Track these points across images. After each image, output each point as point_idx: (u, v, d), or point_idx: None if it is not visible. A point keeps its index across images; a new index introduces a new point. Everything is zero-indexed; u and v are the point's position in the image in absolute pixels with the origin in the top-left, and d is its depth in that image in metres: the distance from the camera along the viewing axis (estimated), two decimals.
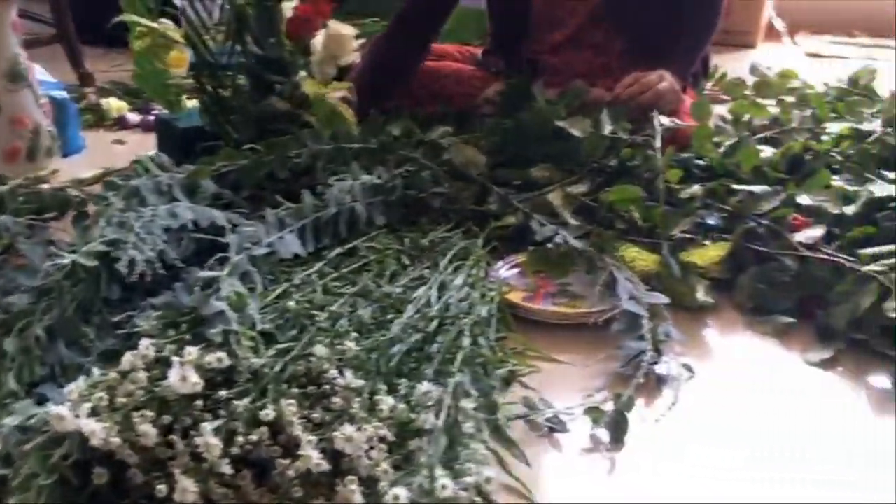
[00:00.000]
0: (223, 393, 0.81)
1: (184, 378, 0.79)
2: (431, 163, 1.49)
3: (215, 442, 0.76)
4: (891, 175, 1.48)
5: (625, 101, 1.58)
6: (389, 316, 1.03)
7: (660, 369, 1.09)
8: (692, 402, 1.06)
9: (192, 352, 0.81)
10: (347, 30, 1.46)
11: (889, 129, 1.64)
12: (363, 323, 1.00)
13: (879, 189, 1.38)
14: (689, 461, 0.97)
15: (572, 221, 1.36)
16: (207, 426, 0.77)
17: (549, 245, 1.32)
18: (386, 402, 0.84)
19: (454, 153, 1.50)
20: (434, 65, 1.83)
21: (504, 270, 1.31)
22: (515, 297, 1.24)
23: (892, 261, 1.19)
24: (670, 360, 1.11)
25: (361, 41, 1.53)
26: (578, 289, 1.27)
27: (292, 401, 0.83)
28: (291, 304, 0.96)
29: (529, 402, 1.02)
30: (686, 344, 1.16)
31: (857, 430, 1.02)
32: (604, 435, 0.99)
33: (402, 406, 0.85)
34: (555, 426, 1.00)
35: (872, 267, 1.18)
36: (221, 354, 0.82)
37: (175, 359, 0.80)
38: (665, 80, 1.59)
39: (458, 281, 1.17)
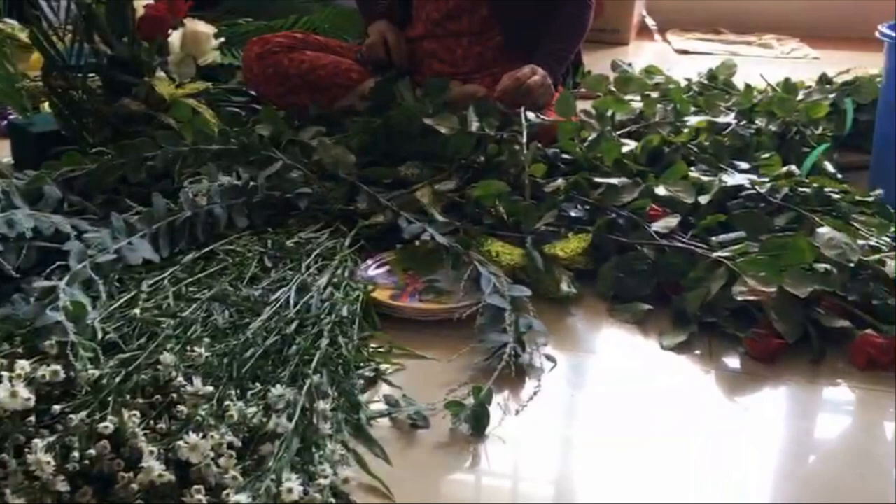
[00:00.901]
0: (58, 407, 0.78)
1: (13, 393, 0.75)
2: (299, 163, 1.47)
3: (47, 459, 0.73)
4: (742, 165, 1.55)
5: (499, 97, 1.61)
6: (247, 320, 1.01)
7: (522, 361, 1.11)
8: (556, 392, 1.08)
9: (23, 366, 0.78)
10: (205, 28, 1.42)
11: (743, 121, 1.72)
12: (218, 328, 0.97)
13: (731, 178, 1.44)
14: (552, 449, 0.98)
15: (440, 218, 1.37)
16: (39, 443, 0.74)
17: (417, 242, 1.32)
18: (235, 407, 0.83)
19: (322, 152, 1.49)
20: (312, 55, 1.82)
21: (372, 269, 1.30)
22: (382, 295, 1.24)
23: (740, 246, 1.24)
24: (533, 351, 1.13)
25: (221, 40, 1.50)
26: (445, 285, 1.27)
27: (135, 412, 0.80)
28: (137, 311, 0.93)
29: (391, 400, 1.02)
30: (550, 334, 1.18)
31: (709, 411, 1.06)
32: (465, 429, 0.99)
33: (253, 410, 0.84)
34: (417, 422, 1.00)
35: (721, 253, 1.23)
36: (56, 367, 0.79)
37: (3, 374, 0.76)
38: (537, 75, 1.63)
39: (322, 281, 1.16)
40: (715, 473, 0.94)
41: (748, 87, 1.82)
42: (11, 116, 1.83)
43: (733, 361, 1.16)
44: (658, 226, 1.32)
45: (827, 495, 0.91)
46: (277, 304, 1.02)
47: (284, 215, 1.40)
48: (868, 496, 0.91)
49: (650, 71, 2.11)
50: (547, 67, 1.67)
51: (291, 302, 1.04)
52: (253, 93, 1.95)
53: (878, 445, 1.01)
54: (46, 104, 1.64)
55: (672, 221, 1.32)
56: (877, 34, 1.59)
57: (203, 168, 1.28)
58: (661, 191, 1.40)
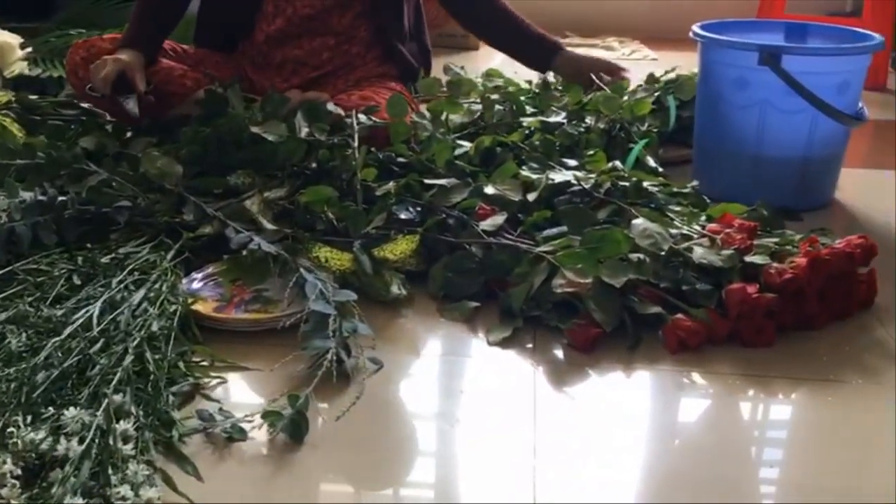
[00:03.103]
0: None
1: None
2: (122, 175, 1.42)
3: None
4: (571, 162, 1.59)
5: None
6: (45, 342, 0.95)
7: (347, 365, 1.10)
8: (383, 394, 1.08)
9: None
10: (9, 39, 1.35)
11: (574, 120, 1.78)
12: (11, 352, 0.92)
13: (558, 175, 1.48)
14: (377, 454, 0.98)
15: (269, 226, 1.34)
16: None
17: (244, 252, 1.29)
18: (19, 434, 0.78)
19: (146, 164, 1.44)
20: None
21: (197, 282, 1.27)
22: (205, 307, 1.20)
23: (561, 240, 1.27)
24: (359, 355, 1.13)
25: (28, 50, 1.42)
26: (273, 294, 1.25)
27: None
28: None
29: (204, 415, 0.99)
30: (379, 337, 1.18)
31: (535, 403, 1.07)
32: (283, 438, 0.98)
33: (40, 436, 0.80)
34: (233, 436, 0.98)
35: (544, 248, 1.26)
36: None
37: None
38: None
39: (137, 297, 1.11)
40: (548, 469, 0.95)
41: (578, 87, 1.88)
42: None
43: (557, 353, 1.18)
44: (486, 224, 1.34)
45: (661, 478, 0.95)
46: (78, 323, 0.97)
47: (104, 231, 1.34)
48: (700, 477, 0.95)
49: (491, 74, 2.14)
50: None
51: (95, 320, 0.99)
52: (83, 104, 1.87)
53: (696, 426, 1.06)
54: None
55: (499, 219, 1.35)
56: (690, 34, 1.68)
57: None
58: (489, 190, 1.42)
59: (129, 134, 1.73)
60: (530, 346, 1.20)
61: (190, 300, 1.18)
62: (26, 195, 1.19)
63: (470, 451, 0.98)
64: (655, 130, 1.77)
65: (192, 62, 1.84)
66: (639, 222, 1.29)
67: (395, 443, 1.00)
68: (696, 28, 1.67)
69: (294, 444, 0.97)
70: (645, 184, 1.45)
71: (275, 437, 0.98)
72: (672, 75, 1.99)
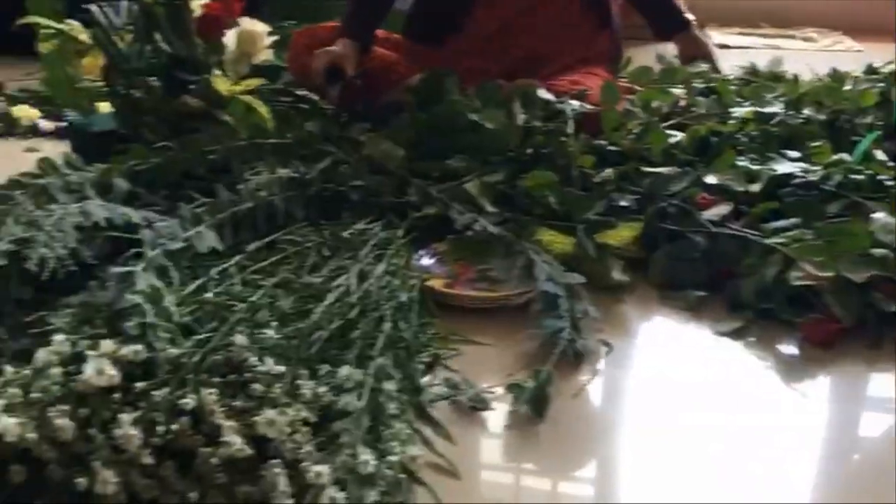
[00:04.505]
0: (141, 385, 0.81)
1: (100, 371, 0.78)
2: (350, 157, 1.50)
3: (134, 433, 0.76)
4: (792, 154, 1.54)
5: None
6: (310, 305, 1.03)
7: (579, 346, 1.12)
8: (611, 377, 1.09)
9: (108, 345, 0.81)
10: (259, 27, 1.45)
11: (791, 111, 1.72)
12: (284, 313, 1.00)
13: (781, 167, 1.44)
14: (607, 434, 1.00)
15: (490, 209, 1.38)
16: (126, 418, 0.77)
17: (469, 233, 1.34)
18: (307, 386, 0.85)
19: (370, 147, 1.52)
20: None
21: (425, 259, 1.33)
22: (437, 283, 1.26)
23: (794, 233, 1.24)
24: (589, 336, 1.14)
25: (274, 38, 1.53)
26: (497, 273, 1.29)
27: (213, 389, 0.83)
28: (209, 295, 0.96)
29: (452, 383, 1.04)
30: (604, 321, 1.19)
31: (766, 398, 1.06)
32: (526, 411, 1.01)
33: (323, 389, 0.86)
34: (477, 405, 1.02)
35: (775, 240, 1.24)
36: (138, 347, 0.82)
37: (90, 352, 0.79)
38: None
39: (379, 270, 1.18)
40: (779, 467, 0.94)
41: (795, 77, 1.81)
42: (69, 117, 1.89)
43: (790, 347, 1.16)
44: (710, 214, 1.33)
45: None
46: (340, 290, 1.05)
47: (337, 208, 1.43)
48: None
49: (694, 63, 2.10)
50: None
51: (352, 288, 1.06)
52: (298, 92, 1.98)
53: None
54: (102, 105, 1.69)
55: (724, 209, 1.33)
56: None
57: (262, 162, 1.31)
58: (710, 179, 1.41)
59: (342, 120, 1.82)
60: (756, 339, 1.18)
61: (425, 276, 1.24)
62: (282, 172, 1.29)
63: (696, 445, 0.98)
64: (880, 123, 1.68)
65: (403, 52, 1.91)
66: (880, 216, 1.23)
67: (623, 427, 1.01)
68: None
69: (535, 418, 1.00)
70: (879, 177, 1.38)
71: (517, 410, 1.01)
72: (894, 66, 1.88)
